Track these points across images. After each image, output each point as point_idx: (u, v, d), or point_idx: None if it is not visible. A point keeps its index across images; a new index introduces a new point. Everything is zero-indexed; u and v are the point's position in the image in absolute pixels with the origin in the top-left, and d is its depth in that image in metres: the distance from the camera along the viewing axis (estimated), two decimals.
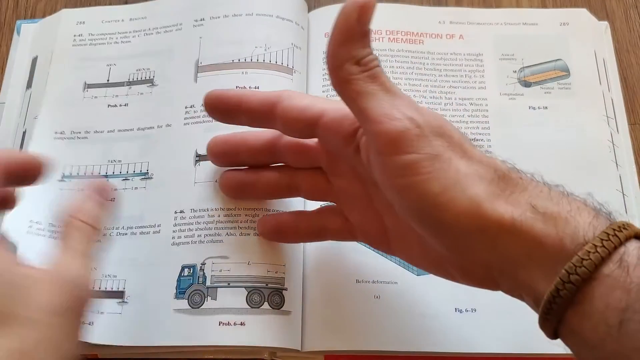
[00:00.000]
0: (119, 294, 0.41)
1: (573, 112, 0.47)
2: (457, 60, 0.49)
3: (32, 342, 0.27)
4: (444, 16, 0.51)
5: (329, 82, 0.46)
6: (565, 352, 0.39)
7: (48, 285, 0.29)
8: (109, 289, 0.41)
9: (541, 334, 0.39)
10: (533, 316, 0.40)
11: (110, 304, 0.41)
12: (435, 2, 0.54)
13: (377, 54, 0.47)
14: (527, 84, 0.48)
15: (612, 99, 0.48)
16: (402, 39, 0.50)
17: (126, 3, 0.54)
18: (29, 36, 0.52)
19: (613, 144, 0.46)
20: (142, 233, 0.43)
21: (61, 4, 0.54)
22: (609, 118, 0.47)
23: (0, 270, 0.28)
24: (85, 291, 0.31)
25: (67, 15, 0.52)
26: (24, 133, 0.48)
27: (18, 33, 0.52)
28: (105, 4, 0.54)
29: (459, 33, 0.50)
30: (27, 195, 0.44)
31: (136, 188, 0.44)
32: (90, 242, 0.33)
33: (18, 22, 0.53)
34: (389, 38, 0.50)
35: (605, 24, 0.52)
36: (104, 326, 0.40)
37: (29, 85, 0.50)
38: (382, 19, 0.50)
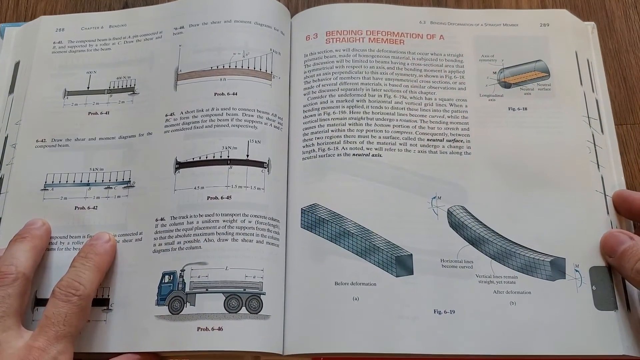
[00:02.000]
0: (104, 302, 0.42)
1: (552, 113, 0.47)
2: (437, 61, 0.49)
3: None
4: (425, 16, 0.51)
5: (310, 86, 0.48)
6: (543, 353, 0.40)
7: None
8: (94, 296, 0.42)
9: (520, 335, 0.40)
10: (511, 317, 0.41)
11: (96, 312, 0.42)
12: (435, 2, 0.54)
13: (356, 54, 0.48)
14: (507, 85, 0.48)
15: (596, 100, 0.48)
16: (382, 39, 0.50)
17: (126, 5, 0.54)
18: (12, 40, 0.52)
19: (595, 145, 0.46)
20: (124, 241, 0.43)
21: (62, 4, 0.55)
22: (591, 119, 0.47)
23: None
24: None
25: (46, 22, 0.52)
26: (6, 138, 0.48)
27: (2, 36, 0.52)
28: (105, 6, 0.55)
29: (440, 33, 0.50)
30: (10, 209, 0.45)
31: (119, 196, 0.45)
32: None
33: (2, 25, 0.53)
34: (369, 38, 0.50)
35: (591, 24, 0.51)
36: (91, 334, 0.41)
37: (11, 90, 0.50)
38: (362, 19, 0.50)
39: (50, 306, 0.38)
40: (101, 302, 0.42)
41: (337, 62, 0.48)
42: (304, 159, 0.46)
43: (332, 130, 0.46)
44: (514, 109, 0.47)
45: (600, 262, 0.42)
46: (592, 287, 0.42)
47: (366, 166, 0.45)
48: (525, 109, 0.47)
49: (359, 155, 0.45)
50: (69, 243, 0.44)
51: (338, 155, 0.45)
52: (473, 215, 0.44)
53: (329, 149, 0.46)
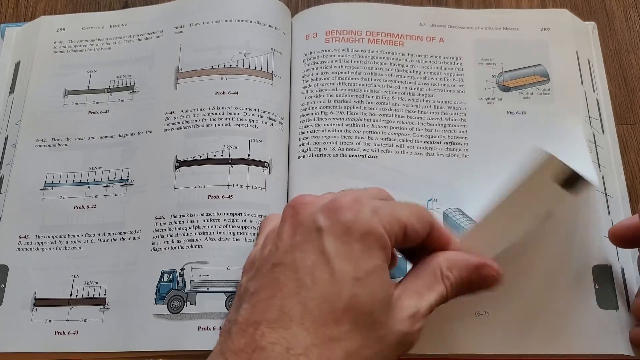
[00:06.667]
0: (100, 301, 0.42)
1: (551, 118, 0.47)
2: (436, 63, 0.49)
3: None
4: (425, 18, 0.51)
5: (308, 85, 0.48)
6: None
7: None
8: (90, 295, 0.42)
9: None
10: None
11: (92, 311, 0.41)
12: (436, 2, 0.54)
13: (355, 55, 0.48)
14: (506, 89, 0.48)
15: (597, 100, 0.49)
16: (382, 40, 0.50)
17: (126, 5, 0.54)
18: (12, 40, 0.52)
19: (595, 145, 0.46)
20: (122, 239, 0.43)
21: (62, 4, 0.55)
22: (591, 119, 0.47)
23: None
24: None
25: (47, 22, 0.52)
26: (6, 138, 0.48)
27: (2, 36, 0.53)
28: (105, 6, 0.55)
29: (439, 36, 0.50)
30: (10, 209, 0.45)
31: (117, 195, 0.45)
32: None
33: (2, 25, 0.53)
34: (369, 39, 0.50)
35: (592, 24, 0.52)
36: (87, 334, 0.41)
37: (11, 90, 0.50)
38: (362, 20, 0.50)
39: None
40: (98, 300, 0.42)
41: (336, 61, 0.49)
42: (299, 157, 0.46)
43: (329, 130, 0.46)
44: (512, 113, 0.47)
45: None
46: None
47: (362, 167, 0.45)
48: (524, 112, 0.47)
49: (356, 156, 0.45)
50: (67, 243, 0.43)
51: (334, 155, 0.45)
52: (469, 217, 0.44)
53: (325, 148, 0.45)
